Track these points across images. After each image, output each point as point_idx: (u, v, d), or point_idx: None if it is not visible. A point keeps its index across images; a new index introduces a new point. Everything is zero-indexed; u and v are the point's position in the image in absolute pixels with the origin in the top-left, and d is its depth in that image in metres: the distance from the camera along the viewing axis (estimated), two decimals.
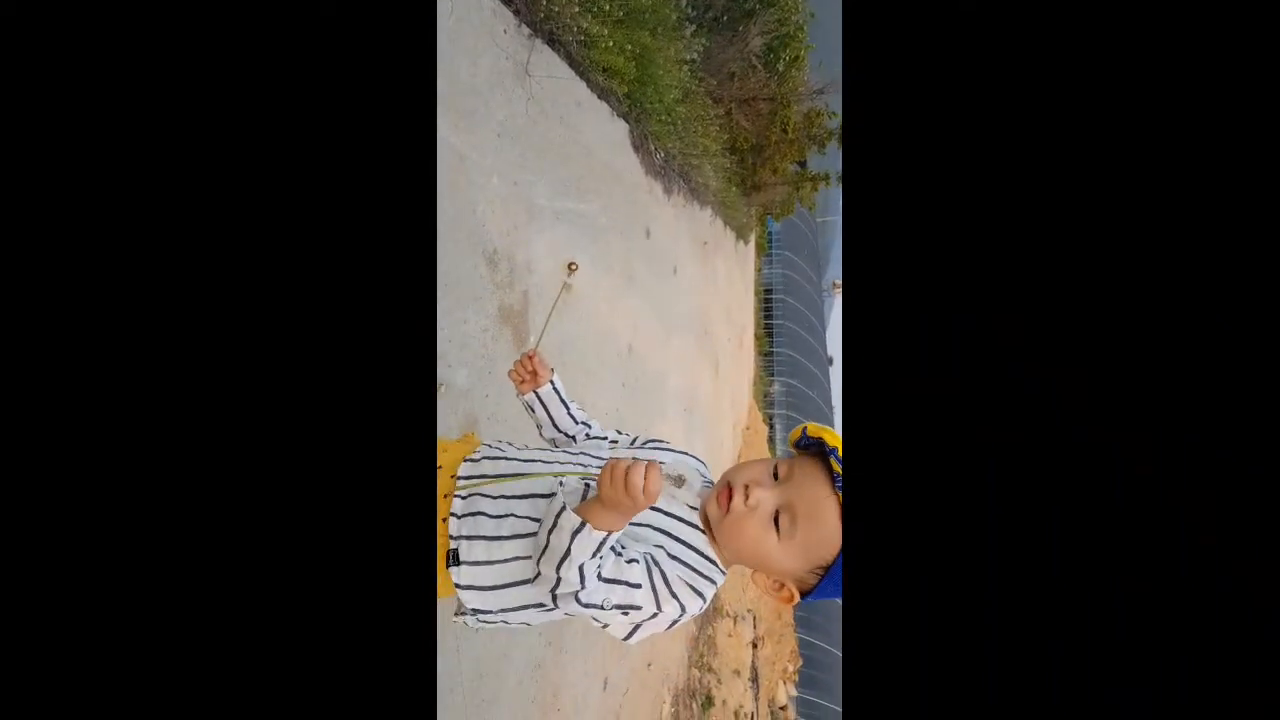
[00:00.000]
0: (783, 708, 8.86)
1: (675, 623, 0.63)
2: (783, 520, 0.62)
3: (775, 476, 0.65)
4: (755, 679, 7.00)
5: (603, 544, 0.60)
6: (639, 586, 0.61)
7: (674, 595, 0.62)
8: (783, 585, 0.64)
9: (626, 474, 0.56)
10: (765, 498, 0.63)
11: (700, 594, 0.63)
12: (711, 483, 0.71)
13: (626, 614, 0.61)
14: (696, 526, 0.66)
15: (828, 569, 0.60)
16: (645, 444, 0.79)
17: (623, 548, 0.64)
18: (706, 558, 0.65)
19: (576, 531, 0.59)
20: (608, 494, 0.58)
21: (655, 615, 0.62)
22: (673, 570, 0.63)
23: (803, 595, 0.63)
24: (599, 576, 0.60)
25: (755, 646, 7.30)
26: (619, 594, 0.60)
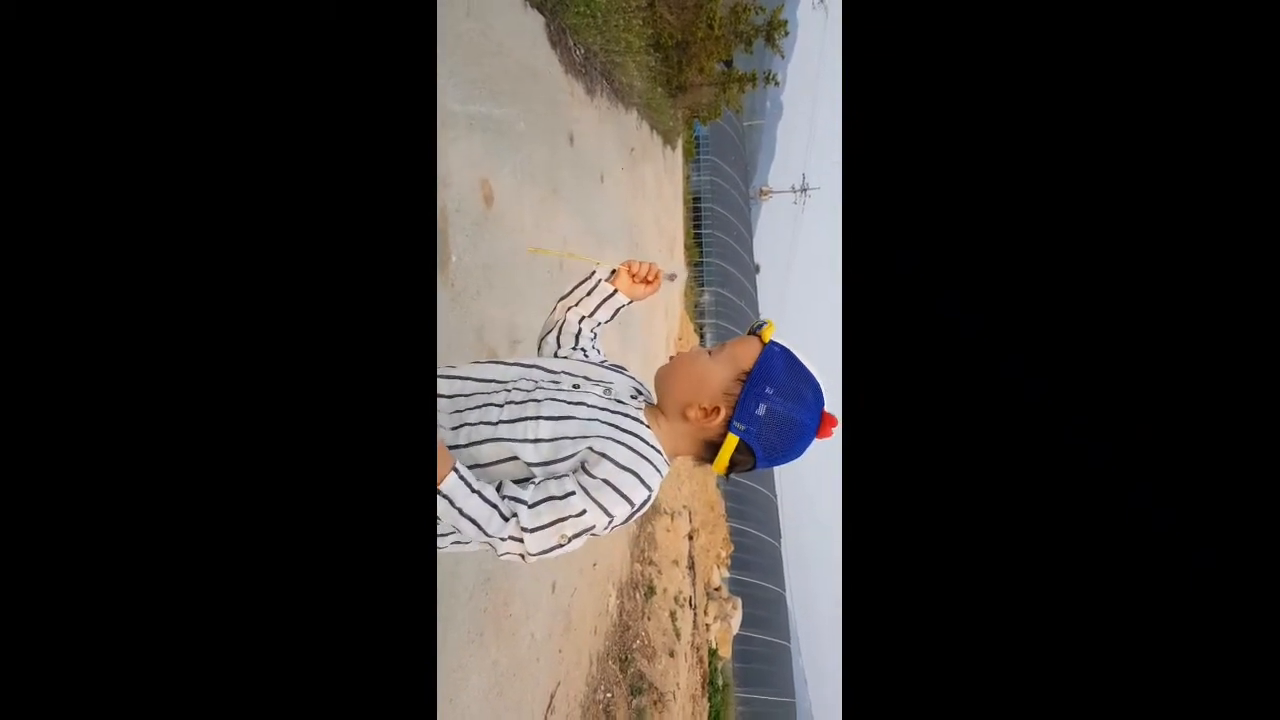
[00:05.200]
0: (717, 588, 9.81)
1: (618, 521, 0.70)
2: (714, 347, 0.79)
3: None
4: (692, 566, 7.63)
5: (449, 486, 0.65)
6: (584, 513, 0.67)
7: (615, 490, 0.68)
8: (716, 409, 0.74)
9: None
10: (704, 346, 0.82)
11: (643, 481, 0.70)
12: (645, 393, 0.82)
13: (592, 529, 0.68)
14: (643, 423, 0.75)
15: (749, 375, 0.73)
16: (601, 364, 0.88)
17: (558, 478, 0.69)
18: (653, 447, 0.73)
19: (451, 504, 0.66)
20: None
21: (610, 521, 0.69)
22: (615, 455, 0.70)
23: (730, 419, 0.73)
24: (540, 525, 0.66)
25: (691, 538, 7.89)
26: (570, 526, 0.67)
